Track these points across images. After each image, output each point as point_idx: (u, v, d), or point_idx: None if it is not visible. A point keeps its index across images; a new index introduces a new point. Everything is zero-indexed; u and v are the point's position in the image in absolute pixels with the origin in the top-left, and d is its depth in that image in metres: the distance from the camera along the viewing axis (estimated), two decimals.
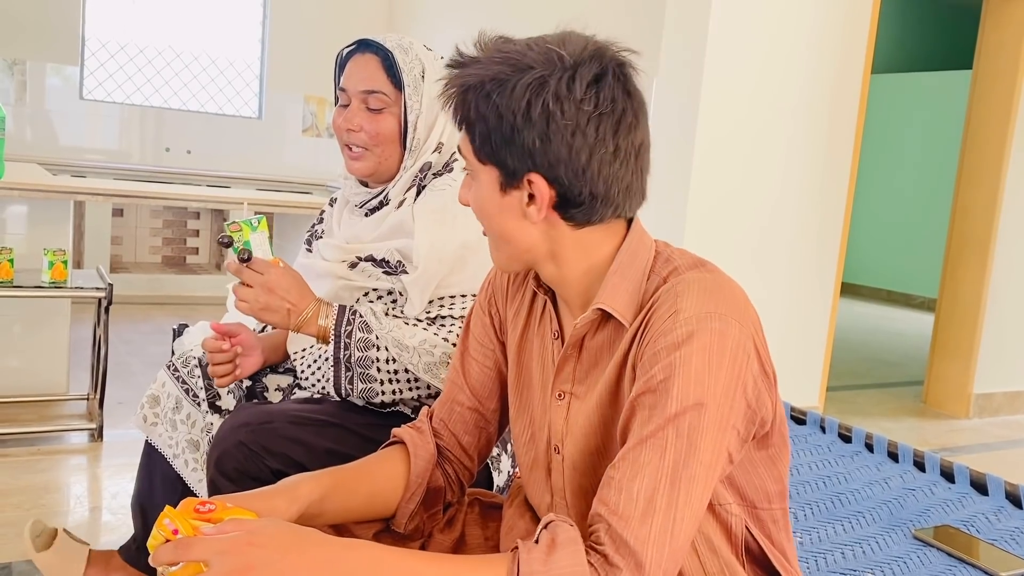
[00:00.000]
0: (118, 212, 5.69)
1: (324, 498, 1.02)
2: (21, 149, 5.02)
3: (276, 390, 1.55)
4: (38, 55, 5.53)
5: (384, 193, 1.53)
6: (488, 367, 1.16)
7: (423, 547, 1.14)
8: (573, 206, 0.94)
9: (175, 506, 1.31)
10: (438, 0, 6.04)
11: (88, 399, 3.27)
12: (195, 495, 1.64)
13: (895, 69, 8.34)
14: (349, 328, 1.39)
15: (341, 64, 1.56)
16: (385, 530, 1.12)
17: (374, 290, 1.51)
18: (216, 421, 1.52)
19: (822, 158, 3.60)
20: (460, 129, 0.96)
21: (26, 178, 3.14)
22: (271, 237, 1.46)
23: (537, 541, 0.85)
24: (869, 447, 1.92)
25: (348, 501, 1.06)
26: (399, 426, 1.18)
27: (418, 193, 1.52)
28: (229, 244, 1.37)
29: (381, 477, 1.10)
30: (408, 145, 1.50)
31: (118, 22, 5.82)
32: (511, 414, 1.13)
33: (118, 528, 2.32)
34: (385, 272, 1.49)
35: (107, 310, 2.93)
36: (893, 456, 1.87)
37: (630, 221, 1.01)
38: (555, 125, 0.89)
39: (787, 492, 1.03)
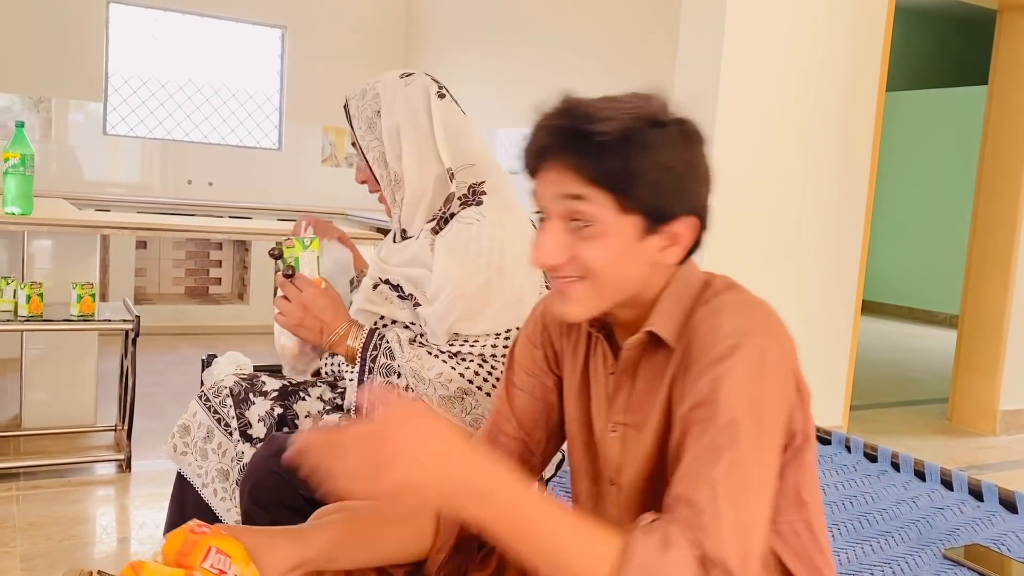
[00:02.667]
0: (141, 244, 5.77)
1: (336, 546, 1.02)
2: (47, 184, 5.12)
3: (307, 417, 1.57)
4: (63, 92, 5.65)
5: (400, 226, 1.61)
6: (536, 398, 1.15)
7: None
8: (699, 243, 1.00)
9: None
10: (454, 29, 6.12)
11: (116, 430, 3.31)
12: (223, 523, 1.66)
13: (911, 86, 8.35)
14: (375, 353, 1.42)
15: None
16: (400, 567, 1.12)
17: (393, 322, 1.55)
18: (247, 450, 1.54)
19: (839, 177, 3.61)
20: (591, 186, 0.93)
21: (53, 213, 3.20)
22: (319, 258, 1.50)
23: (646, 528, 0.84)
24: (896, 466, 1.91)
25: (364, 552, 1.05)
26: None
27: (443, 222, 1.54)
28: (279, 257, 1.46)
29: (406, 529, 1.10)
30: (381, 182, 1.57)
31: (140, 58, 5.94)
32: (570, 449, 1.13)
33: (145, 558, 2.34)
34: (399, 297, 1.53)
35: (134, 342, 2.97)
36: (920, 475, 1.86)
37: None
38: (707, 167, 0.98)
39: (815, 505, 1.03)
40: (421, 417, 0.82)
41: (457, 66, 5.94)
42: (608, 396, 1.05)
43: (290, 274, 1.44)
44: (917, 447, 4.06)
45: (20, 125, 3.03)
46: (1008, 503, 1.71)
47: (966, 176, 7.37)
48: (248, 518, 1.34)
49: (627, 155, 0.91)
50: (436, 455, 0.80)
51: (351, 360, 1.47)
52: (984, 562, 1.45)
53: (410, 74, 1.59)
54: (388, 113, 1.53)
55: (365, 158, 1.57)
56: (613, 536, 0.83)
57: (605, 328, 1.06)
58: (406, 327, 1.54)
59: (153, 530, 2.57)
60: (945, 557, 1.49)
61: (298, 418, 1.59)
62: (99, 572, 1.81)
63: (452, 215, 1.54)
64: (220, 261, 6.13)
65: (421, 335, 1.52)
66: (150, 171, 6.00)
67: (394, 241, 1.63)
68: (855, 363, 3.90)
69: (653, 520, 0.85)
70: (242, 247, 5.97)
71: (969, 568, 1.45)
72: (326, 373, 1.67)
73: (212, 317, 5.62)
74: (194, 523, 0.94)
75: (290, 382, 1.66)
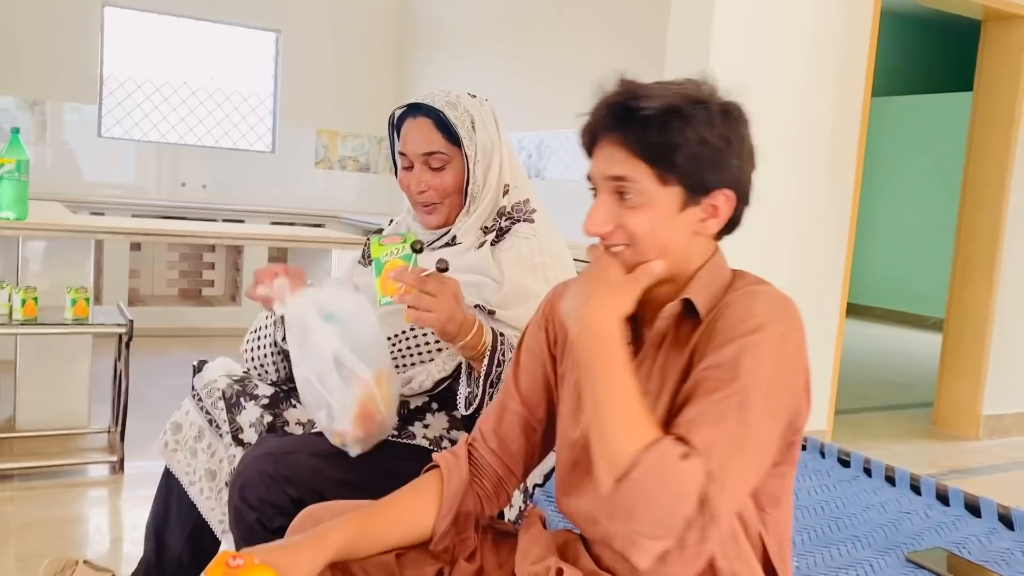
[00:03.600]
0: (135, 247, 5.80)
1: (352, 542, 1.09)
2: (41, 187, 5.15)
3: (296, 424, 1.62)
4: (58, 94, 5.69)
5: (449, 234, 1.66)
6: (537, 377, 1.23)
7: (446, 573, 1.19)
8: (736, 219, 1.09)
9: (186, 533, 1.40)
10: (447, 34, 6.17)
11: (109, 432, 3.36)
12: (207, 523, 1.71)
13: (896, 92, 8.42)
14: (502, 347, 1.45)
15: (396, 127, 1.69)
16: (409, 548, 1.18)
17: None
18: (238, 453, 1.59)
19: (825, 181, 3.66)
20: (636, 157, 1.03)
21: (49, 218, 3.25)
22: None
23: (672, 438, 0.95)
24: (867, 471, 1.97)
25: (377, 541, 1.13)
26: (412, 457, 1.24)
27: (499, 235, 1.64)
28: (420, 250, 1.44)
29: (409, 513, 1.17)
30: (469, 192, 1.63)
31: (135, 61, 5.98)
32: (560, 430, 1.19)
33: (138, 558, 2.39)
34: None
35: (127, 345, 3.02)
36: (890, 480, 1.92)
37: None
38: (746, 146, 1.06)
39: (787, 506, 1.10)
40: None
41: (449, 70, 5.99)
42: None
43: (444, 268, 1.38)
44: (901, 451, 4.12)
45: (16, 131, 3.07)
46: (973, 508, 1.77)
47: (954, 181, 7.45)
48: (237, 514, 1.39)
49: (667, 129, 1.01)
50: (590, 294, 1.00)
51: (478, 357, 1.43)
52: (944, 565, 1.51)
53: (475, 95, 1.69)
54: (482, 128, 1.65)
55: (468, 164, 1.62)
56: (654, 427, 0.96)
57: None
58: None
59: (141, 534, 2.61)
60: (908, 560, 1.54)
61: (288, 424, 1.64)
62: (85, 562, 1.87)
63: (503, 229, 1.65)
64: (213, 263, 6.16)
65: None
66: (145, 174, 6.04)
67: (429, 248, 1.67)
68: (840, 367, 3.96)
69: (681, 437, 0.95)
70: (235, 250, 6.01)
71: (930, 571, 1.50)
72: None
73: (205, 319, 5.66)
74: (228, 555, 0.97)
75: (281, 388, 1.70)
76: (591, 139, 1.07)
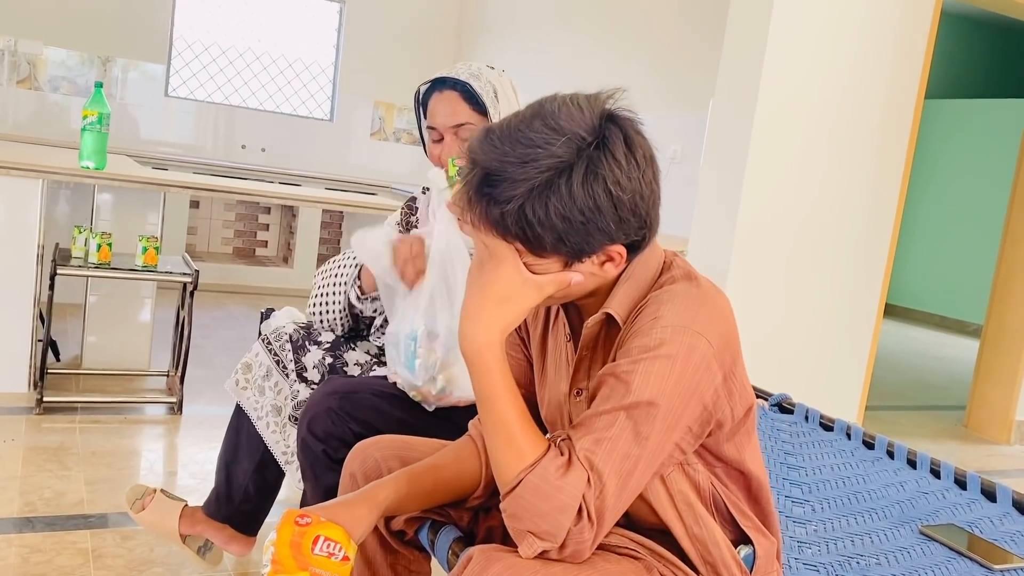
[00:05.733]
0: (194, 204, 6.02)
1: (401, 499, 1.21)
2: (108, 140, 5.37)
3: (355, 365, 1.76)
4: (128, 53, 5.89)
5: None
6: (521, 359, 1.31)
7: (481, 514, 1.32)
8: (639, 248, 1.07)
9: (254, 465, 1.54)
10: (506, 16, 6.26)
11: (168, 375, 3.55)
12: (272, 457, 1.86)
13: (949, 95, 8.34)
14: None
15: (422, 102, 1.77)
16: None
17: None
18: (303, 390, 1.73)
19: (872, 180, 3.71)
20: (508, 240, 1.02)
21: (121, 170, 3.42)
22: None
23: (558, 447, 1.02)
24: (890, 454, 2.05)
25: (423, 500, 1.24)
26: (466, 408, 1.36)
27: None
28: None
29: (456, 474, 1.27)
30: None
31: (204, 23, 6.16)
32: (539, 402, 1.29)
33: (195, 490, 2.56)
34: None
35: (192, 294, 3.19)
36: (912, 463, 2.01)
37: None
38: (622, 202, 0.99)
39: (751, 467, 1.18)
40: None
41: (507, 53, 6.08)
42: (568, 362, 1.19)
43: None
44: (930, 450, 4.14)
45: (99, 85, 3.25)
46: (989, 493, 1.86)
47: (1003, 187, 7.39)
48: (304, 445, 1.53)
49: (531, 215, 0.98)
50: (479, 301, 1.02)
51: None
52: (955, 539, 1.61)
53: (493, 67, 1.77)
54: (504, 97, 1.72)
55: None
56: (538, 444, 1.03)
57: (565, 303, 1.20)
58: None
59: (198, 467, 2.79)
60: (921, 533, 1.64)
61: (347, 366, 1.78)
62: (161, 491, 2.03)
63: None
64: (268, 225, 6.36)
65: None
66: (206, 134, 6.24)
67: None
68: (874, 364, 4.01)
69: (564, 439, 1.03)
70: (289, 212, 6.19)
71: (941, 543, 1.60)
72: (375, 336, 1.85)
73: (258, 278, 5.86)
74: (295, 514, 1.08)
75: (344, 325, 1.84)
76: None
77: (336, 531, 1.08)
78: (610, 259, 1.05)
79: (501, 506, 1.03)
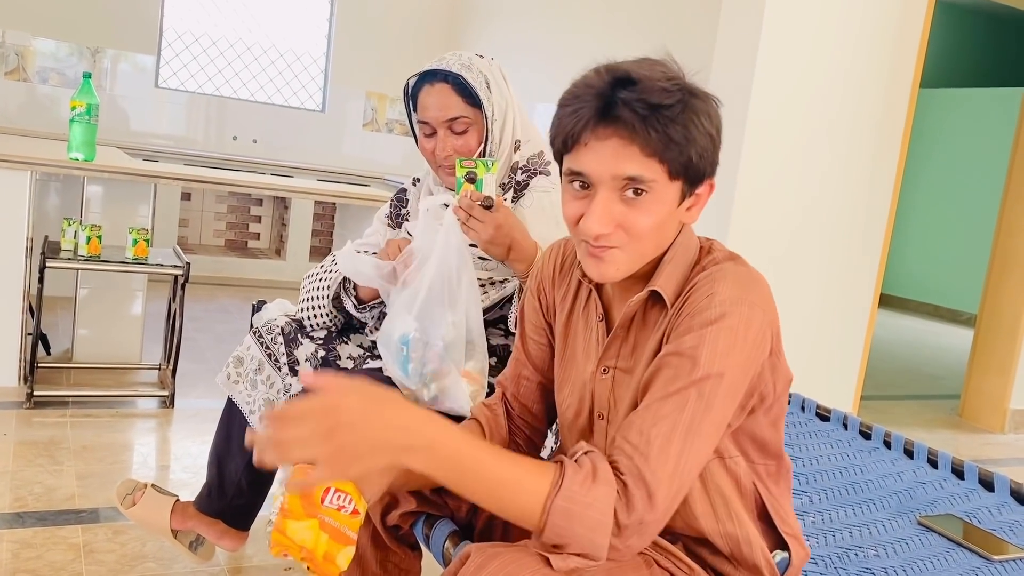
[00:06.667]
0: (186, 196, 5.98)
1: (408, 473, 1.19)
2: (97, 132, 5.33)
3: (348, 359, 1.74)
4: (118, 43, 5.84)
5: None
6: (543, 344, 1.31)
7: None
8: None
9: (246, 460, 1.52)
10: (499, 5, 6.22)
11: (160, 369, 3.52)
12: None
13: (943, 84, 8.33)
14: None
15: (412, 95, 1.73)
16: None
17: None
18: (295, 383, 1.71)
19: (867, 169, 3.70)
20: (649, 156, 1.00)
21: (111, 161, 3.39)
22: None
23: (577, 462, 0.98)
24: (887, 444, 2.05)
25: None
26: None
27: (518, 191, 1.73)
28: (474, 180, 1.54)
29: None
30: (488, 151, 1.70)
31: (193, 14, 6.11)
32: (556, 385, 1.28)
33: (188, 484, 2.54)
34: (480, 257, 1.65)
35: (183, 286, 3.16)
36: (909, 453, 2.00)
37: None
38: (720, 140, 1.06)
39: (781, 454, 1.18)
40: (364, 386, 0.94)
41: (500, 40, 6.05)
42: (598, 341, 1.18)
43: (488, 205, 1.50)
44: (924, 439, 4.15)
45: (87, 76, 3.21)
46: (986, 482, 1.85)
47: (997, 177, 7.40)
48: None
49: (685, 125, 1.00)
50: (380, 417, 0.91)
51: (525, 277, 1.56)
52: (953, 529, 1.60)
53: (482, 56, 1.75)
54: (495, 87, 1.70)
55: (488, 125, 1.68)
56: (547, 469, 0.96)
57: (599, 285, 1.20)
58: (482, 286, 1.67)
59: (191, 461, 2.77)
60: (919, 523, 1.63)
61: (340, 359, 1.75)
62: (152, 485, 2.01)
63: (520, 183, 1.73)
64: (260, 217, 6.32)
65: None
66: (197, 125, 6.19)
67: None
68: (869, 354, 4.01)
69: (585, 452, 0.99)
70: (281, 204, 6.16)
71: (939, 534, 1.59)
72: (369, 330, 1.83)
73: (250, 270, 5.83)
74: (307, 466, 1.04)
75: (334, 327, 1.82)
76: (586, 132, 1.02)
77: (347, 485, 1.06)
78: (698, 202, 1.09)
79: (535, 544, 0.97)
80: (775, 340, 1.08)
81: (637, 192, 1.02)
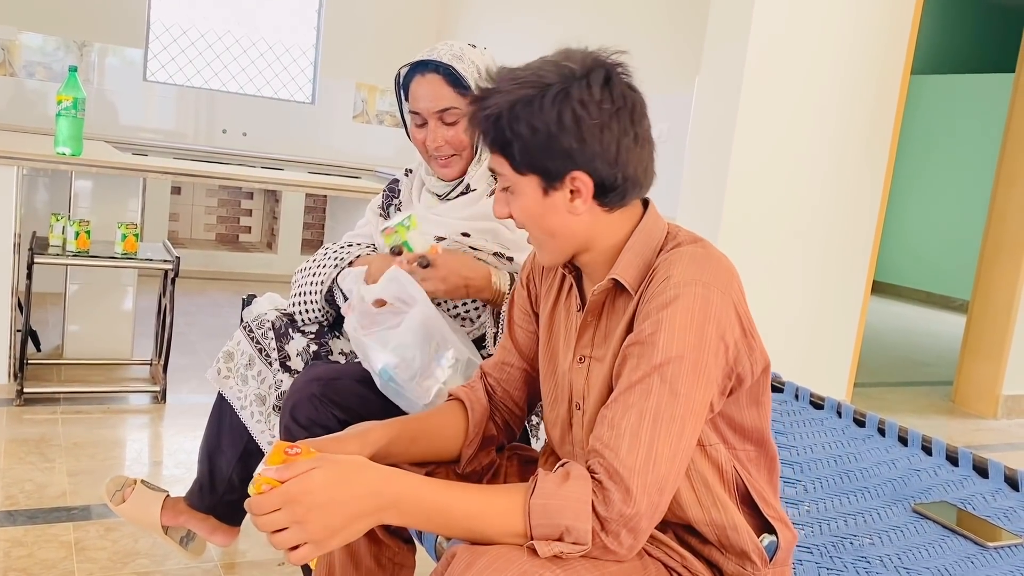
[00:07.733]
0: (176, 190, 5.95)
1: (391, 443, 1.19)
2: (86, 127, 5.29)
3: (339, 354, 1.73)
4: (105, 37, 5.79)
5: (463, 183, 1.73)
6: (531, 332, 1.33)
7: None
8: (610, 191, 1.09)
9: (237, 456, 1.50)
10: None
11: (151, 364, 3.50)
12: (256, 446, 1.82)
13: (935, 70, 8.33)
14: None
15: (403, 86, 1.72)
16: (438, 466, 1.29)
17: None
18: (286, 379, 1.70)
19: (859, 157, 3.70)
20: (495, 153, 1.11)
21: (100, 155, 3.36)
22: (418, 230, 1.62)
23: (552, 470, 1.01)
24: (881, 432, 2.04)
25: (411, 447, 1.23)
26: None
27: None
28: (400, 252, 1.57)
29: (441, 427, 1.28)
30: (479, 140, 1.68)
31: (181, 6, 6.06)
32: (541, 377, 1.29)
33: (181, 480, 2.53)
34: (471, 247, 1.65)
35: (173, 281, 3.14)
36: (903, 440, 2.00)
37: (645, 204, 1.17)
38: (585, 125, 1.05)
39: (766, 440, 1.17)
40: (325, 460, 0.97)
41: (490, 32, 6.02)
42: (575, 332, 1.20)
43: (425, 264, 1.53)
44: (917, 425, 4.17)
45: (73, 70, 3.18)
46: (981, 469, 1.85)
47: (988, 163, 7.40)
48: (288, 433, 1.50)
49: (500, 126, 1.07)
50: (347, 490, 0.94)
51: (498, 303, 1.59)
52: (948, 516, 1.59)
53: (474, 45, 1.73)
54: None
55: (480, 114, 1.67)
56: (518, 486, 0.99)
57: (577, 272, 1.21)
58: None
59: (184, 456, 2.75)
60: (914, 511, 1.63)
61: (332, 354, 1.74)
62: (142, 481, 1.99)
63: None
64: (250, 210, 6.30)
65: None
66: (186, 119, 6.15)
67: (441, 198, 1.75)
68: (862, 341, 4.01)
69: (561, 464, 1.01)
70: (272, 197, 6.13)
71: (934, 521, 1.59)
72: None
73: (241, 264, 5.80)
74: (285, 445, 1.05)
75: (326, 321, 1.81)
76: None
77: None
78: (577, 193, 1.09)
79: (542, 552, 0.97)
80: (744, 320, 1.08)
81: (502, 184, 1.13)
